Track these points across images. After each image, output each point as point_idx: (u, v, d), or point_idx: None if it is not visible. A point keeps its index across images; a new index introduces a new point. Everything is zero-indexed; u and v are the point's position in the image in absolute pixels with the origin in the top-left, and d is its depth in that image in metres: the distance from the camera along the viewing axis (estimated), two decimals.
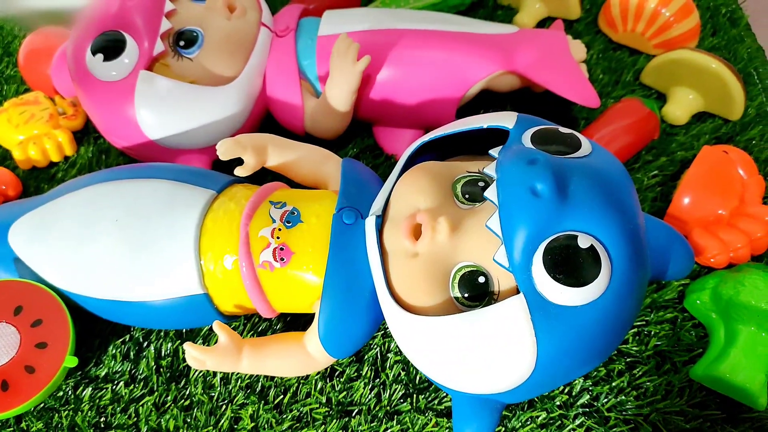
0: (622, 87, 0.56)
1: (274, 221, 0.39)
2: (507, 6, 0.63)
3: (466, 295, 0.34)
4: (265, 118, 0.53)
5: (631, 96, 0.55)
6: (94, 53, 0.47)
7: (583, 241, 0.31)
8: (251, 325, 0.45)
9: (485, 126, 0.39)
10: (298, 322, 0.45)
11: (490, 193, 0.33)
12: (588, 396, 0.40)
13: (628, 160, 0.50)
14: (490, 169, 0.35)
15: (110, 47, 0.47)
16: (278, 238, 0.39)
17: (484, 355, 0.32)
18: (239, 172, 0.42)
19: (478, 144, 0.42)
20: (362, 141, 0.55)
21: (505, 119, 0.38)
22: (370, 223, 0.37)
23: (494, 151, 0.36)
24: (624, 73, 0.57)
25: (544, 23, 0.62)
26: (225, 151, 0.41)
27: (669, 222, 0.46)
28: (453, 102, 0.50)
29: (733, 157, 0.46)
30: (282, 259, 0.38)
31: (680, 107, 0.53)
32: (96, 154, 0.56)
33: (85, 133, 0.58)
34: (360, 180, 0.42)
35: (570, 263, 0.31)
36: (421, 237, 0.34)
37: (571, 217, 0.31)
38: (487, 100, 0.54)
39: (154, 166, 0.45)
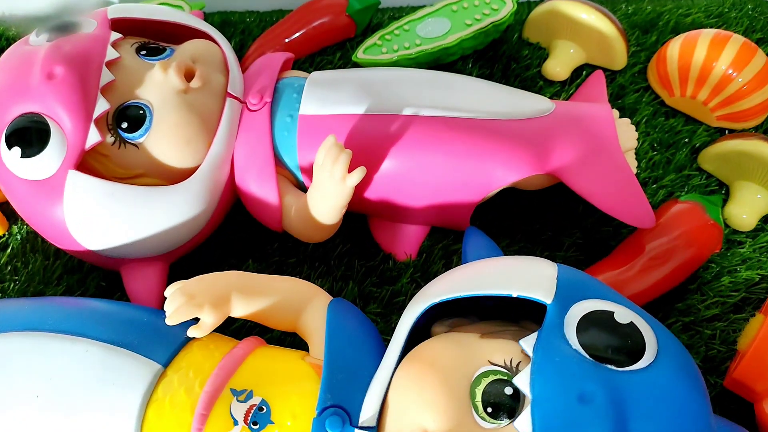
0: (675, 170, 0.45)
1: (236, 423, 0.30)
2: (536, 44, 0.52)
3: None
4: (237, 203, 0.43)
5: (686, 185, 0.45)
6: (9, 144, 0.37)
7: None
8: None
9: (514, 295, 0.30)
10: None
11: (524, 426, 0.25)
12: None
13: (683, 281, 0.41)
14: (522, 380, 0.27)
15: (30, 136, 0.37)
16: None
17: None
18: (194, 333, 0.33)
19: None
20: (354, 233, 0.44)
21: (541, 286, 0.30)
22: None
23: (526, 344, 0.28)
24: (678, 152, 0.46)
25: (581, 71, 0.50)
26: (175, 313, 0.32)
27: (732, 386, 0.37)
28: (469, 207, 0.40)
29: None
30: None
31: (747, 209, 0.43)
32: (31, 234, 0.46)
33: None
34: (349, 352, 0.33)
35: None
36: None
37: None
38: (507, 192, 0.44)
39: (89, 313, 0.35)
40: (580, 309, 0.29)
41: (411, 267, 0.43)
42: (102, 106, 0.37)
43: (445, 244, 0.43)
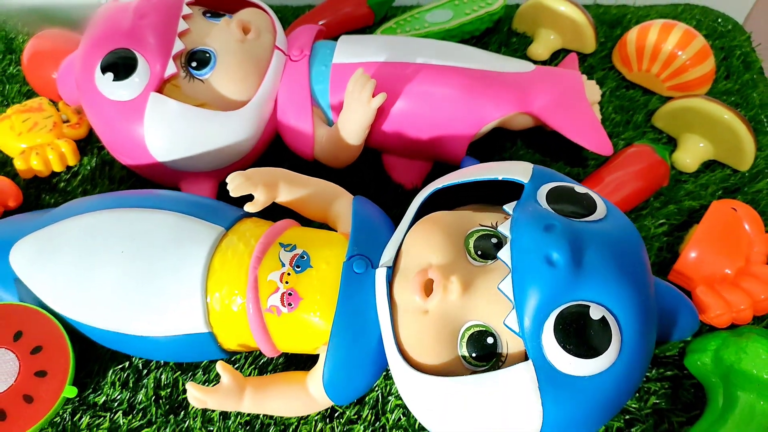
0: (633, 128, 0.56)
1: (283, 265, 0.39)
2: (522, 34, 0.63)
3: (473, 354, 0.34)
4: (275, 140, 0.53)
5: (642, 139, 0.55)
6: (103, 71, 0.46)
7: (595, 312, 0.31)
8: (252, 358, 0.45)
9: (500, 178, 0.39)
10: (300, 357, 0.45)
11: (504, 254, 0.33)
12: None
13: (637, 205, 0.50)
14: (504, 228, 0.34)
15: (120, 66, 0.46)
16: (287, 283, 0.38)
17: (488, 419, 0.32)
18: (249, 208, 0.41)
19: (489, 187, 0.41)
20: (370, 168, 0.54)
21: (520, 172, 0.38)
22: (380, 275, 0.37)
23: (509, 207, 0.36)
24: (636, 114, 0.56)
25: (558, 54, 0.61)
26: (236, 188, 0.40)
27: (674, 277, 0.46)
28: (465, 139, 0.49)
29: (741, 214, 0.46)
30: (290, 305, 0.38)
31: (690, 155, 0.52)
32: (99, 165, 0.55)
33: (89, 142, 0.57)
34: (371, 224, 0.41)
35: (581, 334, 0.31)
36: (432, 294, 0.34)
37: (584, 287, 0.31)
38: (498, 135, 0.54)
39: (162, 195, 0.44)
40: (549, 185, 0.37)
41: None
42: (178, 46, 0.47)
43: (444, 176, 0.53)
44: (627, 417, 0.42)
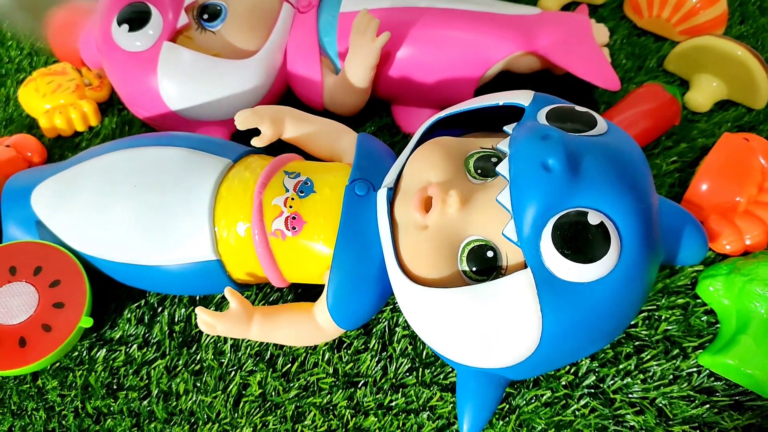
0: (645, 73, 0.55)
1: (287, 190, 0.40)
2: None
3: (474, 268, 0.34)
4: (285, 93, 0.54)
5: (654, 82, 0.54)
6: (119, 24, 0.48)
7: (593, 218, 0.31)
8: (263, 294, 0.45)
9: (501, 103, 0.39)
10: (308, 294, 0.45)
11: (502, 167, 0.33)
12: (594, 377, 0.40)
13: (648, 145, 0.50)
14: (503, 145, 0.34)
15: (135, 18, 0.48)
16: (291, 207, 0.39)
17: (488, 328, 0.32)
18: (255, 142, 0.42)
19: (493, 123, 0.41)
20: (380, 119, 0.55)
21: (521, 97, 0.38)
22: (381, 195, 0.37)
23: (508, 128, 0.36)
24: (648, 59, 0.56)
25: (569, 8, 0.61)
26: (243, 121, 0.42)
27: (685, 207, 0.45)
28: (472, 81, 0.50)
29: (755, 145, 0.46)
30: (294, 228, 0.39)
31: (703, 94, 0.52)
32: (119, 125, 0.57)
33: (110, 105, 0.59)
34: (374, 153, 0.42)
35: (579, 239, 0.30)
36: (431, 209, 0.34)
37: (582, 193, 0.31)
38: (506, 81, 0.54)
39: (173, 134, 0.45)
40: (549, 107, 0.37)
41: None
42: None
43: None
44: (636, 343, 0.41)
